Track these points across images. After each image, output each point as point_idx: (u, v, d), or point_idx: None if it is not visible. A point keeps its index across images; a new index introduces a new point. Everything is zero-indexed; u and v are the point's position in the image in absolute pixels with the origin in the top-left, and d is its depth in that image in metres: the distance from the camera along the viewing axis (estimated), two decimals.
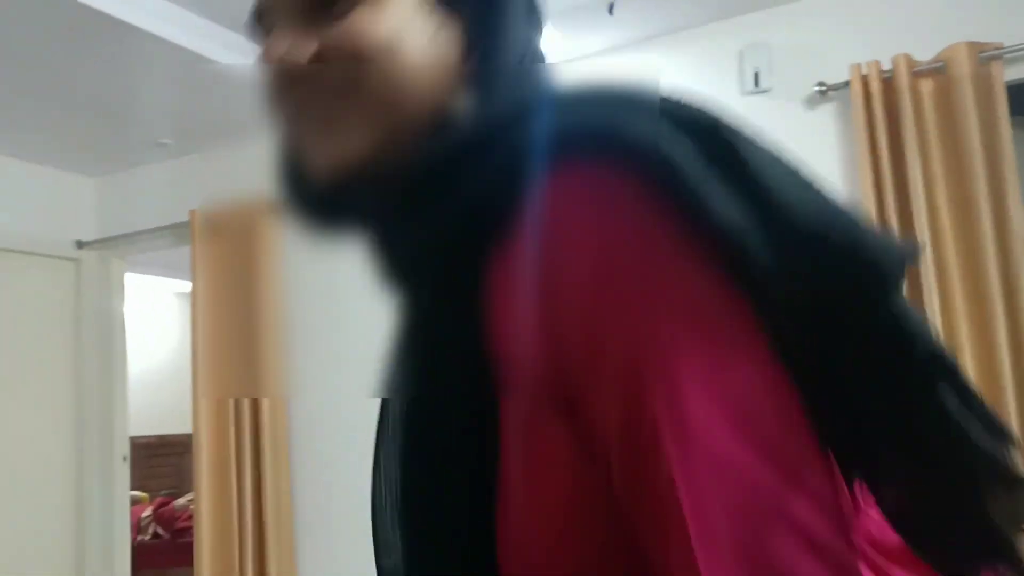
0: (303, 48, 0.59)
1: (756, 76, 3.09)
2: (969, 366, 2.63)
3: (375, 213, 0.61)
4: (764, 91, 3.09)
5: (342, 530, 3.70)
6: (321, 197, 0.62)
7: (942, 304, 2.67)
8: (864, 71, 2.85)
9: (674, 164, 0.45)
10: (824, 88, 2.95)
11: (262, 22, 0.64)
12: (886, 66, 2.83)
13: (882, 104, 2.81)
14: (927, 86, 2.79)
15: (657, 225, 0.46)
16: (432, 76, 0.58)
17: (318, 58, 0.59)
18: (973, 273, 2.67)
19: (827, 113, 3.00)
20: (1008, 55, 2.72)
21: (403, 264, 0.61)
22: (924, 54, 2.81)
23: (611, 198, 0.46)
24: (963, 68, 2.71)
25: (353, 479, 3.71)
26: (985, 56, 2.72)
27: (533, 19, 0.64)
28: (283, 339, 3.86)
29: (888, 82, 2.83)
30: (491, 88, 0.58)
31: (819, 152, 2.99)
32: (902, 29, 2.90)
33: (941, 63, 2.77)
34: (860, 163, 2.82)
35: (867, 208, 2.78)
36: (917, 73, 2.80)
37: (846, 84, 2.89)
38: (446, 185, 0.54)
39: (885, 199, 2.76)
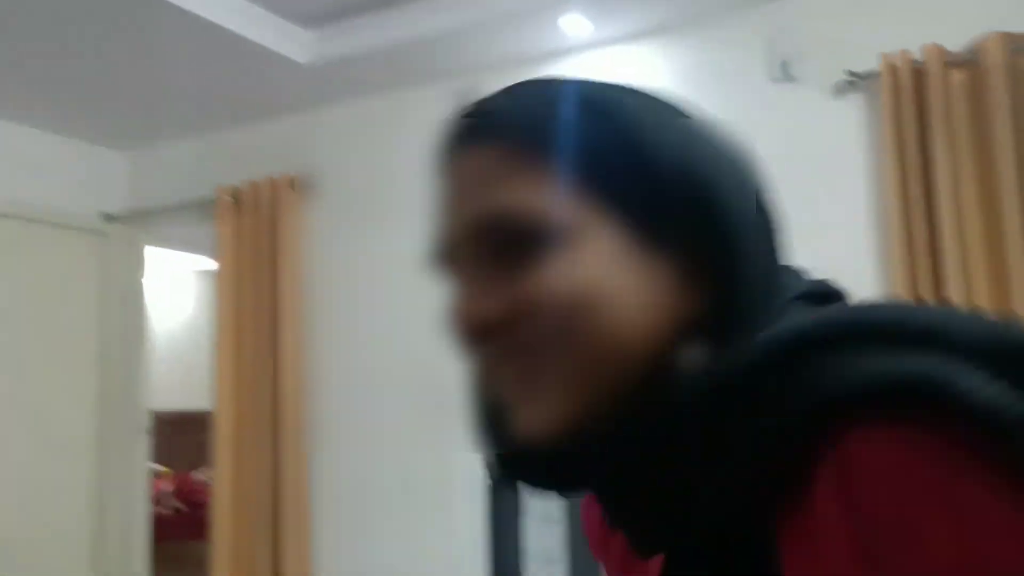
0: (492, 305, 0.52)
1: (784, 64, 3.06)
2: None
3: (604, 478, 0.53)
4: (792, 79, 3.06)
5: (357, 509, 3.73)
6: (531, 462, 0.55)
7: (967, 300, 2.63)
8: (894, 61, 2.81)
9: (1013, 420, 0.38)
10: (853, 78, 2.92)
11: (446, 262, 0.56)
12: (916, 56, 2.80)
13: (912, 95, 2.77)
14: (958, 77, 2.75)
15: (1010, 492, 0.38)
16: (647, 325, 0.50)
17: (510, 314, 0.51)
18: (999, 271, 2.63)
19: (855, 103, 2.97)
20: None
21: (659, 534, 0.53)
22: (955, 44, 2.77)
23: (953, 461, 0.39)
24: (995, 59, 2.67)
25: (370, 459, 3.73)
26: (1018, 47, 2.68)
27: (770, 229, 0.55)
28: (304, 320, 3.89)
29: (918, 72, 2.79)
30: (728, 332, 0.50)
31: (846, 142, 2.96)
32: (933, 19, 2.86)
33: (973, 54, 2.73)
34: (887, 154, 2.79)
35: (891, 201, 2.75)
36: (948, 64, 2.76)
37: (876, 74, 2.86)
38: (690, 452, 0.48)
39: (910, 192, 2.73)
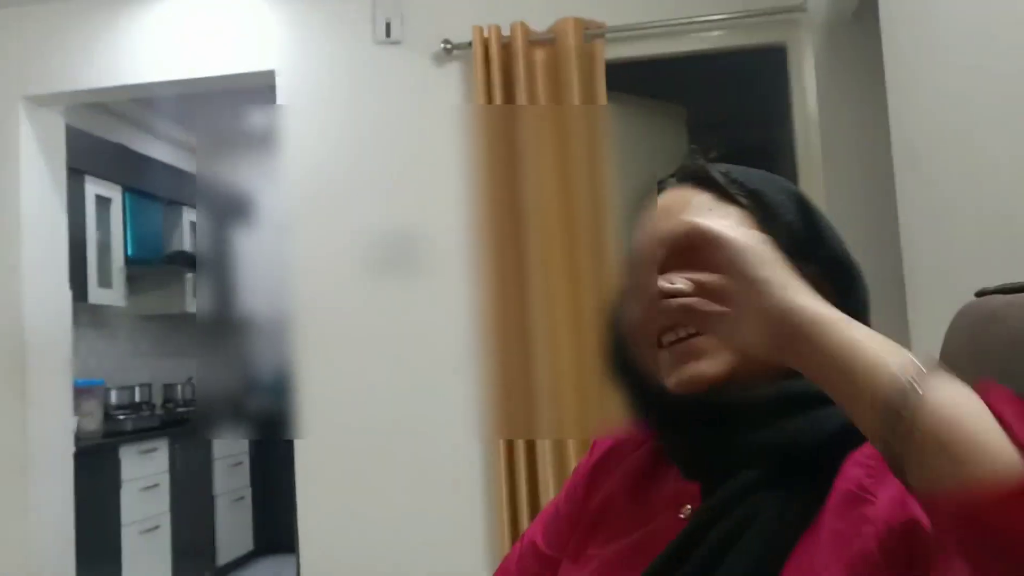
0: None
1: (388, 26, 3.13)
2: (564, 328, 2.90)
3: (729, 413, 0.74)
4: (395, 42, 3.13)
5: None
6: (675, 406, 0.78)
7: (544, 257, 2.90)
8: (485, 34, 3.00)
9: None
10: (450, 46, 3.07)
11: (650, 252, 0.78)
12: (505, 32, 3.00)
13: (500, 68, 2.98)
14: (540, 55, 3.01)
15: None
16: None
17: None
18: (569, 216, 2.92)
19: (452, 71, 3.12)
20: (609, 35, 3.02)
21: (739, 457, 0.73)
22: (540, 24, 3.02)
23: None
24: (570, 42, 2.95)
25: None
26: (589, 33, 2.99)
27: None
28: None
29: (506, 47, 3.00)
30: None
31: (445, 108, 3.11)
32: None
33: (552, 35, 3.00)
34: (478, 124, 2.97)
35: (479, 162, 2.95)
36: (532, 42, 3.00)
37: (469, 44, 3.03)
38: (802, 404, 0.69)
39: (495, 163, 2.94)
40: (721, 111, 4.33)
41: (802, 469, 0.69)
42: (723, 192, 0.81)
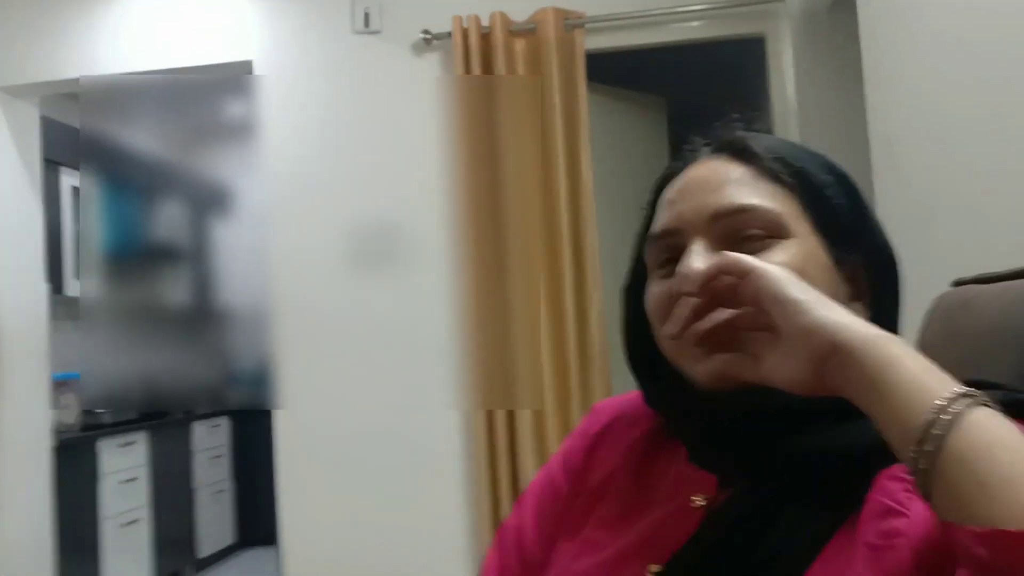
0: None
1: (367, 16, 3.11)
2: (542, 315, 2.91)
3: (769, 411, 0.68)
4: (374, 32, 3.12)
5: None
6: (702, 401, 0.71)
7: (523, 235, 2.90)
8: (465, 24, 2.99)
9: None
10: (429, 36, 3.06)
11: (669, 238, 0.74)
12: (485, 22, 3.00)
13: (479, 58, 2.97)
14: (520, 45, 3.00)
15: None
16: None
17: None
18: (549, 208, 2.93)
19: (432, 61, 3.11)
20: (589, 25, 3.02)
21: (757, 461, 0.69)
22: (519, 14, 3.02)
23: None
24: (550, 32, 2.95)
25: None
26: (570, 23, 2.99)
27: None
28: None
29: (486, 38, 3.00)
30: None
31: (424, 98, 3.09)
32: None
33: (532, 25, 2.99)
34: (456, 113, 2.97)
35: (457, 157, 2.94)
36: (511, 32, 3.00)
37: (449, 35, 3.02)
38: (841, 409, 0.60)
39: (476, 149, 2.94)
40: (701, 101, 4.34)
41: (832, 481, 0.66)
42: (763, 167, 0.74)
